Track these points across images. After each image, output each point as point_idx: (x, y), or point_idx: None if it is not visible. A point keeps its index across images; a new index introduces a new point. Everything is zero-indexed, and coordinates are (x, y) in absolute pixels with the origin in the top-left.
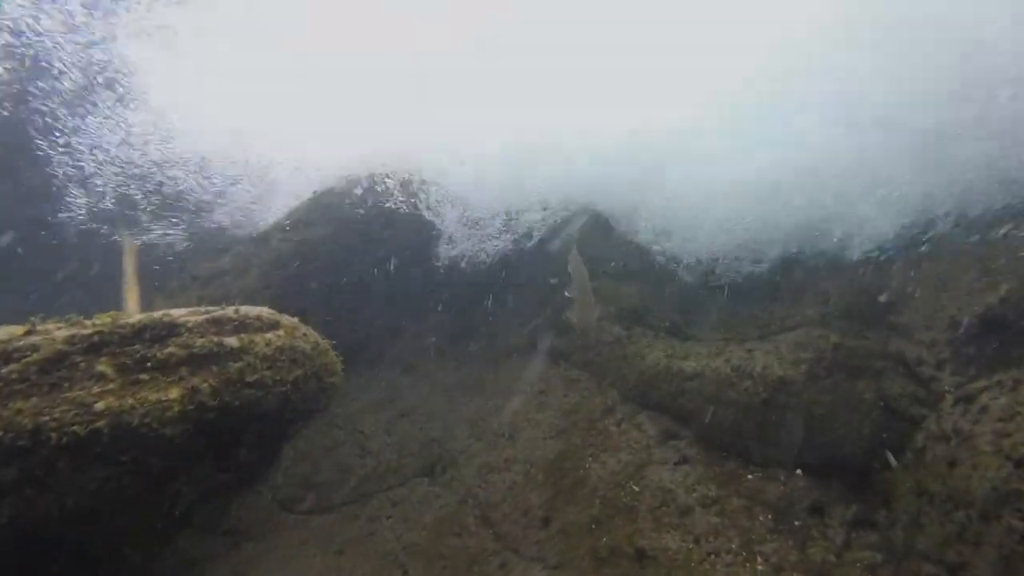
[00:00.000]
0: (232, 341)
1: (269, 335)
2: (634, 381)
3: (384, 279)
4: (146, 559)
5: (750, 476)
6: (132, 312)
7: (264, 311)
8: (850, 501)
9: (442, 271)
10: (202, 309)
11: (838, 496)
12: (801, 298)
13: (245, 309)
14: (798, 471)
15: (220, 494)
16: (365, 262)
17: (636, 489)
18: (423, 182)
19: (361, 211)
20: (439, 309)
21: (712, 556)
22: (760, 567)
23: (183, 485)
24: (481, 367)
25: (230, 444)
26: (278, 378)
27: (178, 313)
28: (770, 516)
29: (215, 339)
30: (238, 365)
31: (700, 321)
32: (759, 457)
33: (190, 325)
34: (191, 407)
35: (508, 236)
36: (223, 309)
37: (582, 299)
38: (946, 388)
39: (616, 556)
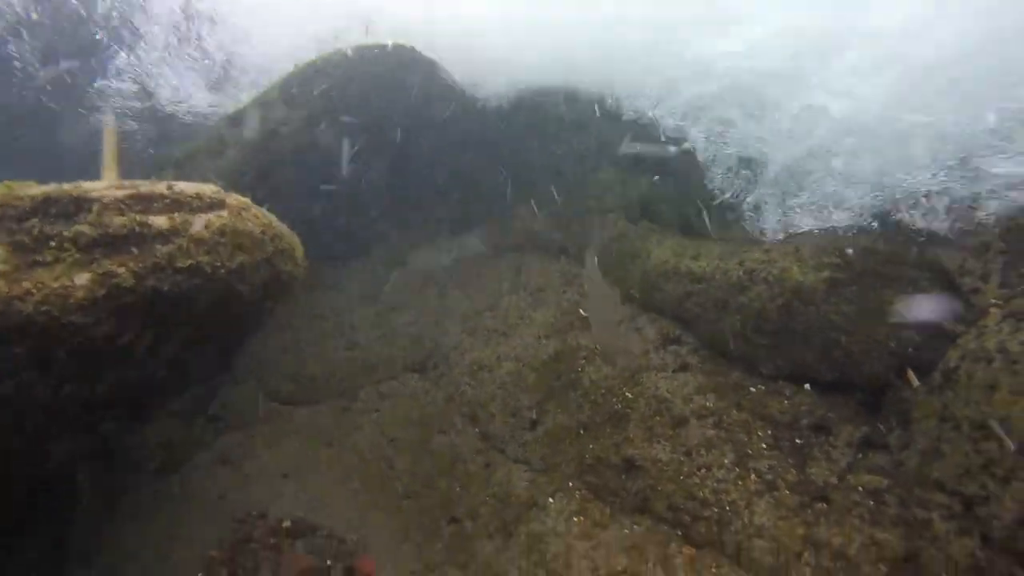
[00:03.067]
0: (160, 221)
1: (209, 216)
2: (638, 280)
3: (380, 161)
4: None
5: (753, 389)
6: None
7: (207, 188)
8: (860, 422)
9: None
10: (126, 183)
11: (848, 415)
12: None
13: (182, 186)
14: (806, 386)
15: (165, 393)
16: (359, 143)
17: (629, 396)
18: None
19: (356, 81)
20: (436, 196)
21: (703, 470)
22: (753, 485)
23: (114, 384)
24: (477, 262)
25: (163, 339)
26: (218, 264)
27: (93, 186)
28: (770, 432)
29: (139, 218)
30: (166, 249)
31: (715, 218)
32: (767, 368)
33: (107, 201)
34: (102, 293)
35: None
36: (152, 184)
37: (603, 324)
38: (992, 301)
39: (602, 465)
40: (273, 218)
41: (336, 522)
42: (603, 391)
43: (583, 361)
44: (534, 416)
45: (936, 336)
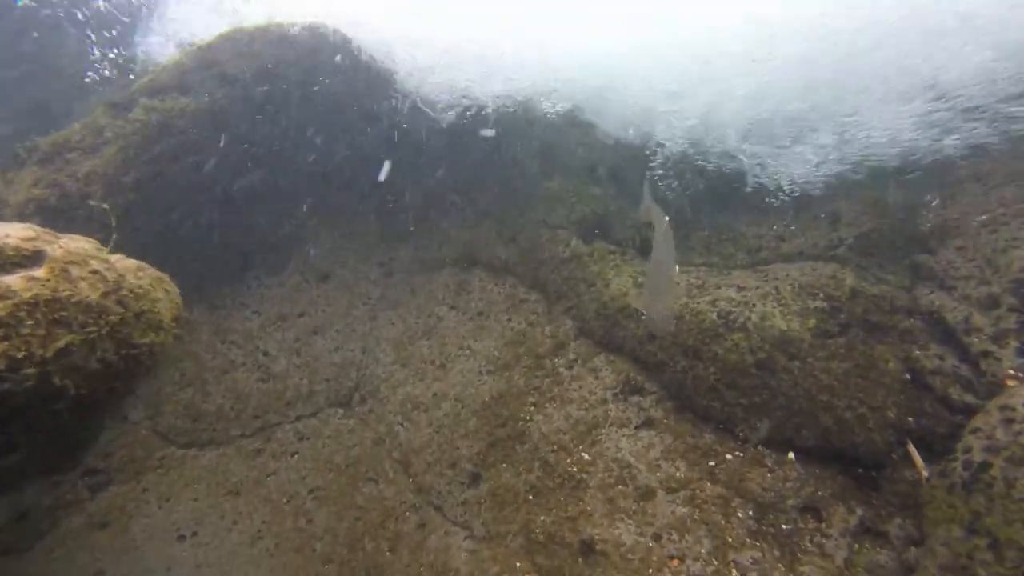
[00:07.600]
0: None
1: (12, 279)
2: (594, 312)
3: (295, 160)
4: None
5: (729, 456)
6: None
7: (13, 235)
8: (854, 502)
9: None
10: None
11: (839, 492)
12: (803, 217)
13: None
14: (791, 455)
15: None
16: (271, 137)
17: (586, 457)
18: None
19: (269, 64)
20: (362, 205)
21: (675, 562)
22: None
23: None
24: (411, 277)
25: None
26: (21, 355)
27: None
28: (751, 512)
29: None
30: None
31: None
32: (744, 432)
33: None
34: None
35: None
36: None
37: (659, 278)
38: (1010, 373)
39: (555, 543)
40: (129, 267)
41: None
42: (554, 447)
43: (531, 408)
44: (475, 469)
45: (943, 403)
